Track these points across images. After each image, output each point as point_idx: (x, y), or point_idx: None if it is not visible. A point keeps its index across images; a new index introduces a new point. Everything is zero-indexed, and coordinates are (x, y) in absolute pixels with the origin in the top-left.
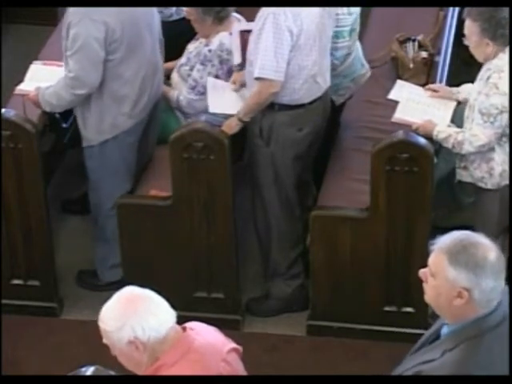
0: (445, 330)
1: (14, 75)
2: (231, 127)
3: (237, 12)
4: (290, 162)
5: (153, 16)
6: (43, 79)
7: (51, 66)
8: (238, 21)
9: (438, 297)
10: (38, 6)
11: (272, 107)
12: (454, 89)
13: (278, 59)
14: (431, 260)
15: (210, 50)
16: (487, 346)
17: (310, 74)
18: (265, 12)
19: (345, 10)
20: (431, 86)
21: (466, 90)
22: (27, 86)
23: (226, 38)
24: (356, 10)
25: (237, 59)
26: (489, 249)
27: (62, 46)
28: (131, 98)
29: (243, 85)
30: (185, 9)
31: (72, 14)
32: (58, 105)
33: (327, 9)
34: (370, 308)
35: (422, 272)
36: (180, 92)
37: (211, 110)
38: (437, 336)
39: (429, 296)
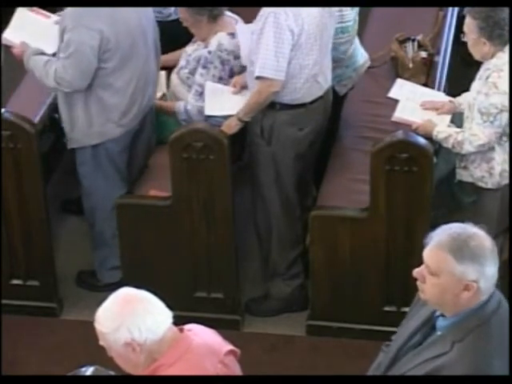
0: (442, 323)
1: (14, 75)
2: (231, 127)
3: (233, 12)
4: (291, 162)
5: (149, 27)
6: (28, 31)
7: (38, 15)
8: (234, 21)
9: (442, 294)
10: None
11: (273, 107)
12: (456, 101)
13: (279, 58)
14: (430, 259)
15: (209, 52)
16: (496, 331)
17: (310, 73)
18: (265, 11)
19: None
20: (434, 104)
21: (467, 100)
22: (12, 35)
23: (224, 39)
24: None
25: (244, 60)
26: (483, 237)
27: (57, 45)
28: (121, 107)
29: (244, 87)
30: (179, 15)
31: (68, 18)
32: (38, 79)
33: (327, 8)
34: (369, 308)
35: (416, 272)
36: (186, 102)
37: (207, 112)
38: (431, 329)
39: (430, 294)
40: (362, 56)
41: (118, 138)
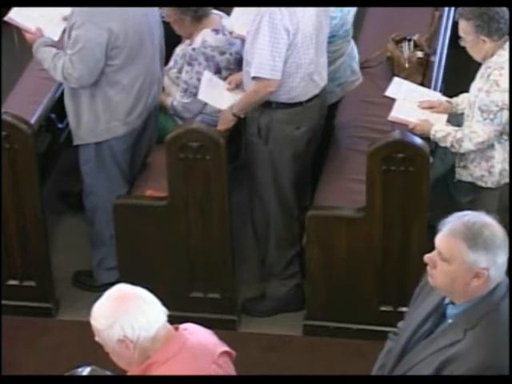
0: (453, 310)
1: (14, 75)
2: (227, 121)
3: (219, 9)
4: (289, 161)
5: (155, 25)
6: (36, 13)
7: None
8: (219, 17)
9: (453, 281)
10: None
11: (270, 105)
12: (453, 100)
13: (275, 58)
14: (443, 246)
15: (193, 49)
16: (505, 315)
17: (306, 72)
18: (261, 11)
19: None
20: (431, 103)
21: (464, 101)
22: (20, 16)
23: (208, 35)
24: (347, 9)
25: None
26: (496, 226)
27: (64, 42)
28: (126, 105)
29: (238, 85)
30: (165, 11)
31: (76, 15)
32: (46, 70)
33: (323, 7)
34: (366, 308)
35: (428, 257)
36: (173, 98)
37: (200, 96)
38: (441, 317)
39: (440, 281)
40: (351, 73)
41: (122, 137)
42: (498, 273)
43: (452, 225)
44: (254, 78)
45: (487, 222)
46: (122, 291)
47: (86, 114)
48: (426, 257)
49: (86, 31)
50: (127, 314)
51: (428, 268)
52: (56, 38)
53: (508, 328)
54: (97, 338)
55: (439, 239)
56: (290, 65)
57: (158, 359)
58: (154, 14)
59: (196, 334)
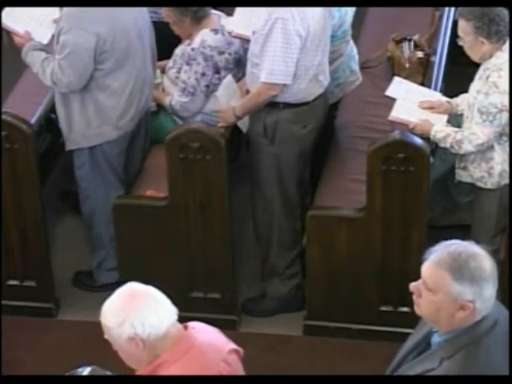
0: (436, 339)
1: (14, 75)
2: (228, 119)
3: (218, 10)
4: (295, 160)
5: (145, 29)
6: (26, 15)
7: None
8: (218, 17)
9: (437, 311)
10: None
11: (277, 106)
12: (454, 101)
13: (288, 63)
14: (428, 275)
15: (192, 49)
16: (486, 350)
17: (314, 73)
18: (272, 16)
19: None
20: (432, 104)
21: (464, 101)
22: (8, 19)
23: (207, 35)
24: (344, 9)
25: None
26: (484, 257)
27: (54, 47)
28: (118, 109)
29: (248, 93)
30: (163, 11)
31: (64, 20)
32: (35, 74)
33: (327, 8)
34: (366, 308)
35: (413, 286)
36: (172, 97)
37: (217, 93)
38: (427, 344)
39: (425, 310)
40: (351, 73)
41: (115, 141)
42: (484, 305)
43: (438, 254)
44: (264, 83)
45: (475, 252)
46: (132, 289)
47: (77, 118)
48: (412, 285)
49: (73, 36)
50: (138, 312)
51: (414, 297)
52: (45, 42)
53: (489, 365)
54: (106, 336)
55: (424, 268)
56: (300, 68)
57: (167, 359)
58: (143, 16)
59: (204, 332)
